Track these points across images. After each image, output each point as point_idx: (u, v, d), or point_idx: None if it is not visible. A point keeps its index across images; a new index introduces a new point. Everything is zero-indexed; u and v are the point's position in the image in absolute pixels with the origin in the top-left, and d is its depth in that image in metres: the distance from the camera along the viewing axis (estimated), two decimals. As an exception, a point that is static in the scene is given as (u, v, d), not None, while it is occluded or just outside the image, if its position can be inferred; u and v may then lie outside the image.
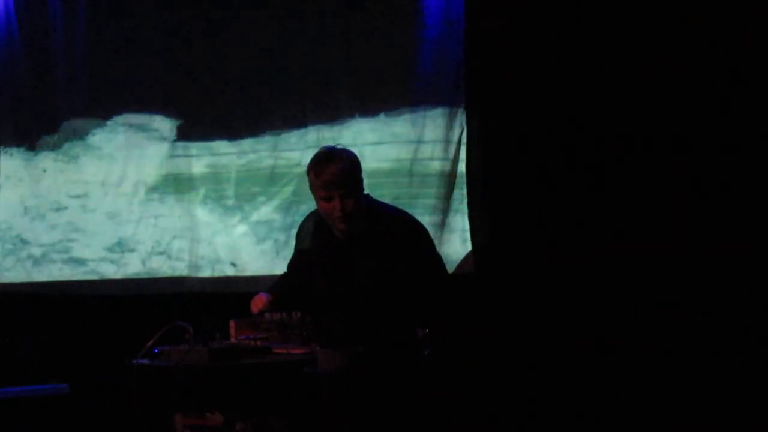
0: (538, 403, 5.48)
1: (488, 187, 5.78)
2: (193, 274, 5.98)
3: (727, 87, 5.40)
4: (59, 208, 6.10)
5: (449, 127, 5.89)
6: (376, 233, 4.06)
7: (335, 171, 3.99)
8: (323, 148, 4.22)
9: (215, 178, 6.02)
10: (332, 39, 5.93)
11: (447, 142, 5.88)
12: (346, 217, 4.03)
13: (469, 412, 4.65)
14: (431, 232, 4.40)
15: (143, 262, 6.02)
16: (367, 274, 4.04)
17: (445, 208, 5.86)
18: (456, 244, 5.86)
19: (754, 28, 5.34)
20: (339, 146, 4.22)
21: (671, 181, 5.50)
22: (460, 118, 5.87)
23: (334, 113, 5.94)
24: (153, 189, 6.05)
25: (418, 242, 4.13)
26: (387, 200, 5.55)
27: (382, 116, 5.92)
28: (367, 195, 4.22)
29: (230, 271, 5.97)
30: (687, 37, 5.46)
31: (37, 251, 6.05)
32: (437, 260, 4.21)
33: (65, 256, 6.05)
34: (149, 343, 3.85)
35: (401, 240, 4.06)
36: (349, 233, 4.08)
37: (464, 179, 5.86)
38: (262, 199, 5.99)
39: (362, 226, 4.08)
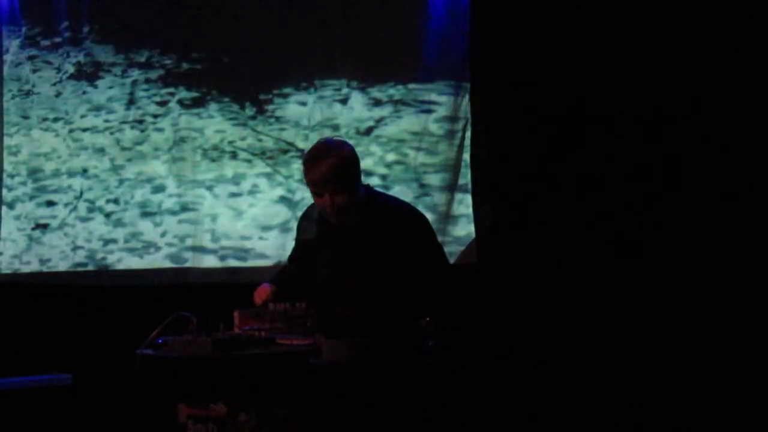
0: (541, 395, 5.49)
1: (492, 178, 5.78)
2: (197, 265, 5.98)
3: (732, 85, 5.40)
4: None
5: (454, 117, 5.89)
6: (375, 223, 4.07)
7: (324, 170, 4.01)
8: (318, 142, 4.22)
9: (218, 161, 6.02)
10: (334, 27, 5.94)
11: (451, 132, 5.88)
12: (337, 212, 4.05)
13: (473, 404, 4.62)
14: (435, 222, 4.40)
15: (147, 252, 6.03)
16: (368, 264, 4.05)
17: (448, 199, 5.86)
18: (459, 234, 5.86)
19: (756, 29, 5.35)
20: (336, 138, 4.23)
21: (676, 172, 5.50)
22: (465, 109, 5.87)
23: (336, 103, 5.94)
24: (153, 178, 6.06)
25: (418, 231, 4.13)
26: (390, 190, 5.60)
27: (386, 107, 5.92)
28: (367, 185, 4.23)
29: (234, 261, 5.97)
30: (691, 23, 5.46)
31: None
32: (438, 249, 4.22)
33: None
34: (153, 334, 3.84)
35: (401, 229, 4.06)
36: (347, 224, 4.09)
37: (468, 169, 5.86)
38: (266, 187, 5.99)
39: (362, 216, 4.09)
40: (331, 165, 4.00)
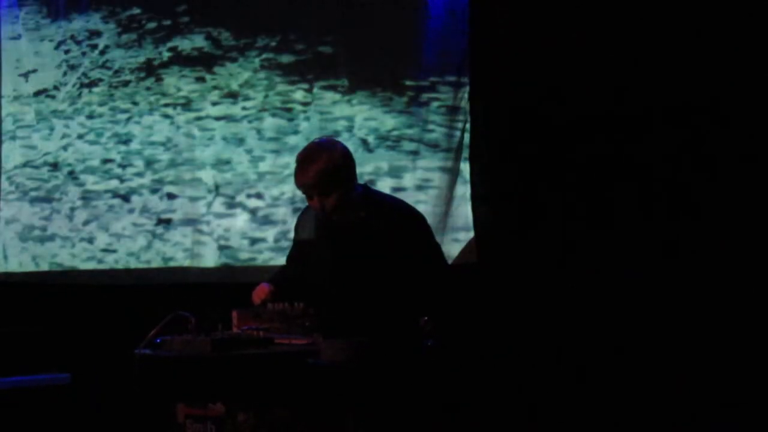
0: (540, 394, 5.48)
1: (492, 177, 5.78)
2: (196, 264, 5.97)
3: (732, 85, 5.40)
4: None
5: (453, 115, 5.89)
6: (373, 222, 4.06)
7: (310, 175, 4.01)
8: (310, 143, 4.21)
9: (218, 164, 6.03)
10: (333, 26, 5.94)
11: (451, 131, 5.88)
12: (329, 213, 4.05)
13: (472, 404, 4.64)
14: (434, 221, 4.39)
15: (146, 251, 6.02)
16: (365, 263, 4.04)
17: (448, 198, 5.86)
18: (459, 233, 5.86)
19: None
20: (329, 138, 4.22)
21: (677, 171, 5.50)
22: (464, 108, 5.87)
23: (335, 104, 5.95)
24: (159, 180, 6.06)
25: (416, 230, 4.13)
26: (389, 189, 5.60)
27: (385, 105, 5.91)
28: (364, 185, 4.22)
29: (232, 261, 5.96)
30: (692, 22, 5.46)
31: None
32: (435, 248, 4.21)
33: None
34: (151, 333, 3.83)
35: (399, 228, 4.06)
36: (343, 223, 4.09)
37: (468, 168, 5.86)
38: (263, 186, 5.98)
39: (357, 216, 4.08)
40: (317, 170, 4.00)
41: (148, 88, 6.05)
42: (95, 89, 6.08)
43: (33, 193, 6.10)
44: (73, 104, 6.09)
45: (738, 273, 5.34)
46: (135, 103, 6.05)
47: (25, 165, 6.10)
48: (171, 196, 6.02)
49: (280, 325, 4.02)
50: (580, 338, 5.52)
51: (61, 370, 5.42)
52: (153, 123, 6.03)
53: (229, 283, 5.59)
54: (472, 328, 5.16)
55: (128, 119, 6.05)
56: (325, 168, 4.00)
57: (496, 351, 5.45)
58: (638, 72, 5.56)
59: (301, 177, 4.04)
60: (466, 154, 5.87)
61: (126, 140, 6.05)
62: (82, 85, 6.09)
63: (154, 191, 6.03)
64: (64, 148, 6.09)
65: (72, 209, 6.07)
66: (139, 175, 6.04)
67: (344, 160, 4.07)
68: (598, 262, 5.57)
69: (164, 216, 6.02)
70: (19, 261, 6.06)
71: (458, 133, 5.89)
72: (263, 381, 3.77)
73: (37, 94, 6.12)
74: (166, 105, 6.04)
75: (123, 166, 6.05)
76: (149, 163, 6.04)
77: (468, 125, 5.87)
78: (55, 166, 6.09)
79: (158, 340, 3.85)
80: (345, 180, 4.05)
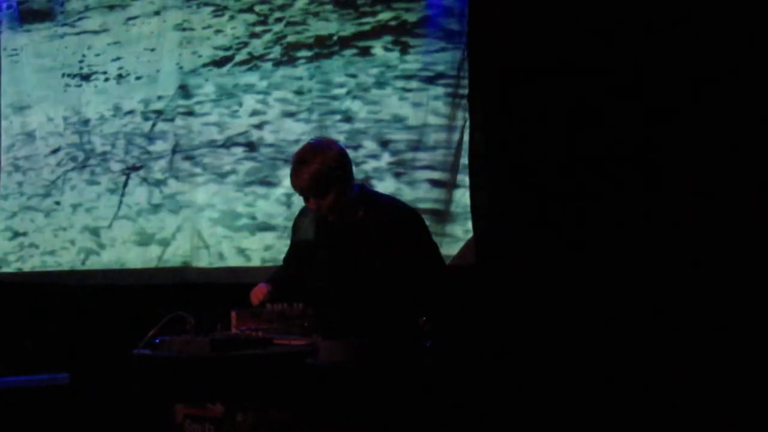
0: (539, 395, 5.48)
1: (491, 176, 5.78)
2: (195, 264, 5.97)
3: (733, 85, 5.40)
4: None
5: (452, 117, 5.89)
6: (371, 222, 4.07)
7: (305, 178, 4.02)
8: (306, 144, 4.21)
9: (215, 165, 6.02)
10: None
11: (450, 128, 5.88)
12: (326, 213, 4.06)
13: (471, 404, 4.64)
14: (432, 221, 4.39)
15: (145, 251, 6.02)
16: (364, 262, 4.05)
17: (447, 199, 5.86)
18: (458, 233, 5.86)
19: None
20: (324, 138, 4.23)
21: (677, 173, 5.50)
22: (464, 109, 5.87)
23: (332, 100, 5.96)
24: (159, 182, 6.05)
25: (414, 229, 4.14)
26: (389, 190, 5.60)
27: (384, 102, 5.92)
28: (362, 185, 4.23)
29: (232, 261, 5.96)
30: (693, 22, 5.46)
31: None
32: (434, 247, 4.22)
33: None
34: (150, 334, 3.84)
35: (397, 227, 4.07)
36: (341, 223, 4.09)
37: (467, 169, 5.86)
38: (263, 187, 5.98)
39: (355, 215, 4.09)
40: (311, 173, 4.00)
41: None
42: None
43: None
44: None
45: (739, 273, 5.34)
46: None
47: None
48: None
49: (279, 325, 4.03)
50: (580, 338, 5.52)
51: (61, 370, 5.43)
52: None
53: (227, 283, 5.59)
54: (471, 328, 5.16)
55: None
56: (319, 170, 3.99)
57: (495, 351, 5.45)
58: (639, 72, 5.56)
59: (295, 180, 4.04)
60: (465, 155, 5.87)
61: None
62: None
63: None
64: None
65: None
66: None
67: (338, 161, 4.06)
68: (598, 263, 5.56)
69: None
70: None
71: (457, 131, 5.89)
72: (262, 381, 3.77)
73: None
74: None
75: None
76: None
77: (467, 126, 5.87)
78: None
79: (157, 341, 3.86)
80: (341, 181, 4.04)
